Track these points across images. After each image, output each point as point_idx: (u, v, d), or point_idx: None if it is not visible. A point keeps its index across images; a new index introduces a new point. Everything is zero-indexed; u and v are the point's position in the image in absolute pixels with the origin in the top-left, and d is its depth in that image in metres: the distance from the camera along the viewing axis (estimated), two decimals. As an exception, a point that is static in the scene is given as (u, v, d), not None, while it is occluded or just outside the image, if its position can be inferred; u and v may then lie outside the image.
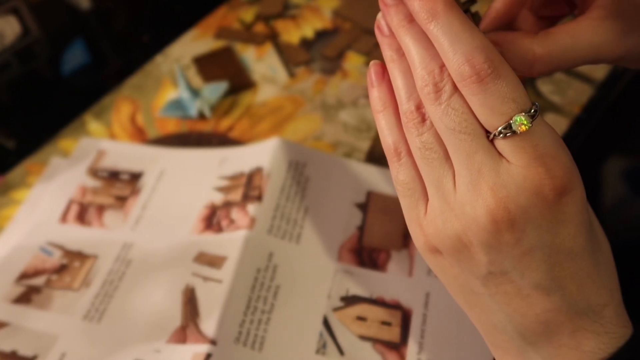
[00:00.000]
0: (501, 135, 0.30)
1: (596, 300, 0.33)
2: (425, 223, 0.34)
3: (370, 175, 0.58)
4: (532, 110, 0.30)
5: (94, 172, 0.60)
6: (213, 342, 0.45)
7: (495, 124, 0.31)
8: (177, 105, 0.65)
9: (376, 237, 0.53)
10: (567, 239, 0.31)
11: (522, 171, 0.30)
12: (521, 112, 0.30)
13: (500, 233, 0.31)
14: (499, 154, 0.31)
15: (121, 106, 0.66)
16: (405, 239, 0.53)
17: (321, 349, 0.47)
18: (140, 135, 0.63)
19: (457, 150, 0.32)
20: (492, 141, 0.31)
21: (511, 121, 0.30)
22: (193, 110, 0.64)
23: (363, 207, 0.55)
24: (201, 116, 0.64)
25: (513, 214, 0.30)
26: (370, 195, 0.56)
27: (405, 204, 0.36)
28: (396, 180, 0.35)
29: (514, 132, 0.30)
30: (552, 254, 0.31)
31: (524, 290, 0.32)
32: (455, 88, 0.31)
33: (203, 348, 0.45)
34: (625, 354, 0.33)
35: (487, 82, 0.30)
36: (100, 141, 0.62)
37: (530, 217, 0.30)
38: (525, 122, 0.30)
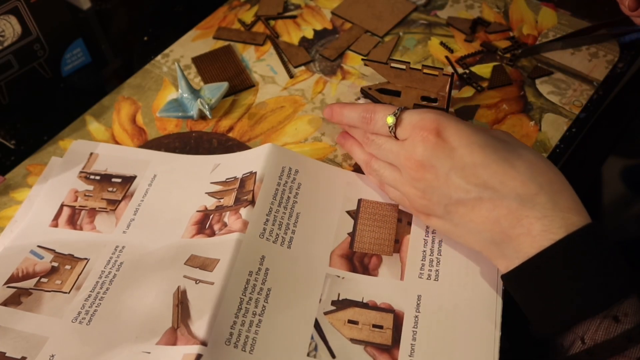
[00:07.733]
0: (394, 131, 0.50)
1: (524, 190, 0.44)
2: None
3: (361, 183, 0.57)
4: (396, 112, 0.50)
5: (86, 175, 0.60)
6: (204, 343, 0.45)
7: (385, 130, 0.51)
8: (177, 105, 0.65)
9: (367, 243, 0.53)
10: (464, 156, 0.46)
11: (411, 138, 0.48)
12: (389, 116, 0.50)
13: (422, 174, 0.47)
14: (399, 140, 0.50)
15: (121, 106, 0.67)
16: (395, 244, 0.53)
17: (312, 351, 0.47)
18: (140, 135, 0.64)
19: (379, 149, 0.52)
20: (396, 137, 0.51)
21: (387, 123, 0.50)
22: (193, 111, 0.64)
23: (354, 214, 0.55)
24: (201, 116, 0.64)
25: (419, 160, 0.47)
26: (361, 202, 0.56)
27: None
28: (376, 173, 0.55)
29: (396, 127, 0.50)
30: (460, 169, 0.46)
31: (469, 204, 0.46)
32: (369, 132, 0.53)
33: (193, 349, 0.45)
34: (578, 239, 0.42)
35: (371, 120, 0.53)
36: (93, 144, 0.62)
37: (429, 156, 0.47)
38: (390, 119, 0.50)
